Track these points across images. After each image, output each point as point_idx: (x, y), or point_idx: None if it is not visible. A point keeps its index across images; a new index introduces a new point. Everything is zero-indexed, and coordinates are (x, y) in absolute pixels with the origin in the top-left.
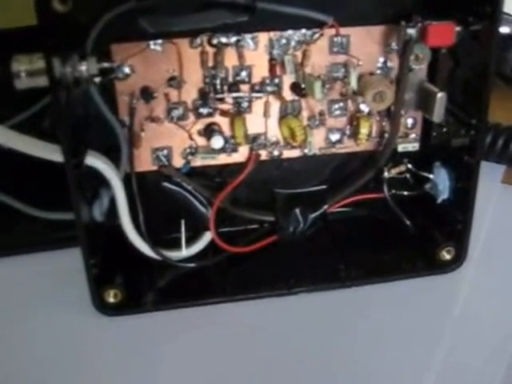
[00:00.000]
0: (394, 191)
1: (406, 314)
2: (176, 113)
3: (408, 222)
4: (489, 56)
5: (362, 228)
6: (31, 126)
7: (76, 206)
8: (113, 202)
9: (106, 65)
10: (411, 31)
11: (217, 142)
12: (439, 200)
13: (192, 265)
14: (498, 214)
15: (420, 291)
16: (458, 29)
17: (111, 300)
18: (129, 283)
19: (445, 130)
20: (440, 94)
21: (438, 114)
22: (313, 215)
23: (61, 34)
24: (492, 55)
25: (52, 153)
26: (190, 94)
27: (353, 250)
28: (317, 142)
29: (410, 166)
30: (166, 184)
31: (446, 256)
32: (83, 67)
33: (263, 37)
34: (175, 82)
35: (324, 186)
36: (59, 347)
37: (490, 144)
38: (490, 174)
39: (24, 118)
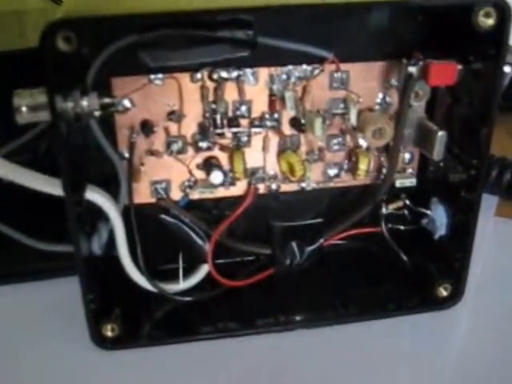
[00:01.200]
0: (390, 225)
1: (402, 349)
2: (175, 146)
3: (405, 258)
4: (492, 95)
5: (359, 261)
6: (28, 150)
7: (75, 242)
8: (111, 234)
9: (107, 100)
10: (412, 69)
11: (216, 177)
12: (436, 236)
13: (188, 298)
14: (491, 247)
15: (416, 326)
16: (459, 67)
17: (109, 334)
18: (126, 316)
19: (442, 164)
20: (440, 133)
21: (438, 153)
22: (309, 248)
23: (64, 71)
24: (496, 94)
25: (52, 187)
26: (189, 127)
27: (349, 285)
28: (315, 176)
29: (407, 201)
30: (164, 216)
31: (443, 293)
32: (84, 103)
33: (264, 72)
34: (175, 115)
35: (321, 220)
36: (55, 379)
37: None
38: (483, 206)
39: (21, 143)
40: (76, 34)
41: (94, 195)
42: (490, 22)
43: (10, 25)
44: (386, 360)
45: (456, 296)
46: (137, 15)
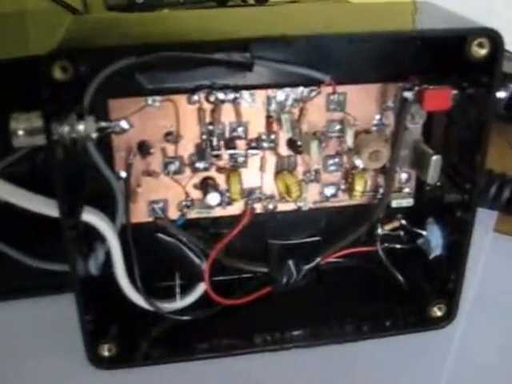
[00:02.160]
0: (386, 244)
1: (396, 368)
2: (172, 167)
3: (400, 277)
4: (485, 120)
5: (355, 280)
6: (26, 161)
7: (72, 263)
8: (108, 254)
9: (103, 124)
10: (408, 94)
11: (213, 199)
12: (431, 256)
13: (185, 318)
14: (490, 263)
15: (411, 345)
16: (454, 92)
17: (106, 354)
18: (123, 336)
19: (439, 184)
20: (435, 157)
21: (432, 176)
22: (306, 267)
23: (60, 99)
24: (488, 119)
25: (49, 208)
26: (186, 148)
27: (345, 303)
28: (311, 196)
29: (403, 221)
30: (161, 235)
31: (437, 313)
32: (81, 127)
33: (260, 94)
34: (172, 136)
35: (317, 238)
36: None
37: (483, 190)
38: (482, 221)
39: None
40: (72, 63)
41: (91, 217)
42: (483, 52)
43: (11, 27)
44: (380, 379)
45: (450, 316)
46: (133, 44)
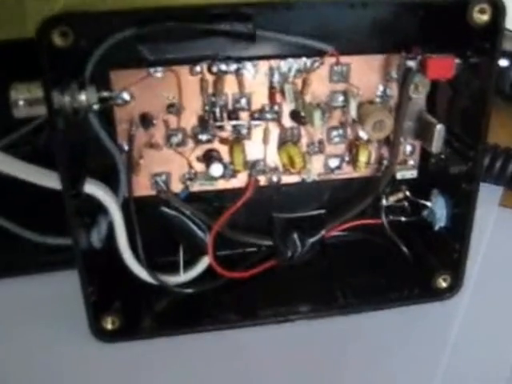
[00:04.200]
0: (391, 217)
1: (401, 339)
2: (175, 139)
3: (405, 249)
4: (487, 88)
5: (360, 253)
6: (27, 142)
7: (74, 235)
8: (111, 227)
9: (105, 94)
10: (411, 63)
11: (216, 170)
12: (436, 227)
13: (189, 290)
14: (495, 237)
15: (415, 316)
16: (457, 61)
17: (109, 327)
18: (126, 309)
19: (443, 156)
20: (439, 126)
21: (436, 146)
22: (311, 240)
23: (61, 66)
24: (491, 88)
25: (51, 180)
26: (189, 120)
27: (350, 276)
28: (316, 168)
29: (408, 193)
30: (164, 209)
31: (442, 284)
32: (82, 97)
33: (263, 65)
34: (174, 108)
35: (322, 211)
36: (54, 371)
37: (488, 165)
38: (487, 196)
39: (20, 135)
40: (72, 29)
41: (93, 188)
42: (485, 18)
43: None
44: (385, 350)
45: (455, 287)
46: (135, 10)
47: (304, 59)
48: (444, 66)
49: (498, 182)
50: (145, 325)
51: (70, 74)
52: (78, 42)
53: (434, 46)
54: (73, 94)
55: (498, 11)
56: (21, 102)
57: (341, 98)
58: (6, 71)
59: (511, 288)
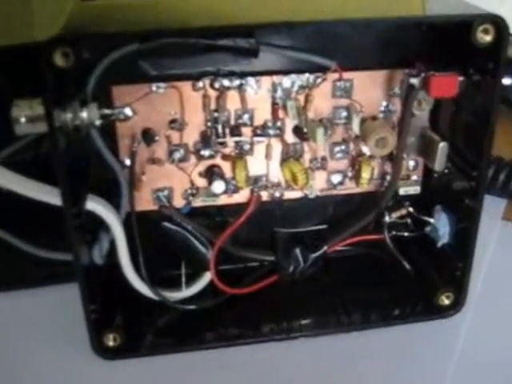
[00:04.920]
0: (394, 232)
1: (404, 357)
2: (177, 155)
3: (407, 266)
4: (491, 107)
5: (362, 269)
6: (30, 149)
7: (75, 253)
8: (112, 243)
9: (107, 111)
10: (414, 80)
11: (218, 187)
12: (439, 244)
13: (191, 306)
14: (498, 251)
15: (418, 334)
16: (460, 79)
17: (110, 344)
18: (128, 325)
19: (446, 171)
20: (442, 144)
21: (439, 164)
22: (313, 255)
23: (62, 86)
24: (494, 106)
25: (52, 197)
26: (191, 136)
27: (352, 292)
28: (318, 184)
29: (410, 209)
30: (166, 224)
31: (445, 301)
32: (84, 114)
33: (266, 80)
34: (177, 124)
35: (324, 226)
36: None
37: (492, 178)
38: (490, 209)
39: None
40: (74, 50)
41: (95, 205)
42: (488, 38)
43: (16, 13)
44: (387, 367)
45: (458, 305)
46: (136, 30)
47: (307, 75)
48: (447, 84)
49: (502, 195)
50: (146, 342)
51: (72, 92)
52: (80, 62)
53: (438, 63)
54: (74, 111)
55: (502, 31)
56: (22, 119)
57: (343, 114)
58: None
59: None
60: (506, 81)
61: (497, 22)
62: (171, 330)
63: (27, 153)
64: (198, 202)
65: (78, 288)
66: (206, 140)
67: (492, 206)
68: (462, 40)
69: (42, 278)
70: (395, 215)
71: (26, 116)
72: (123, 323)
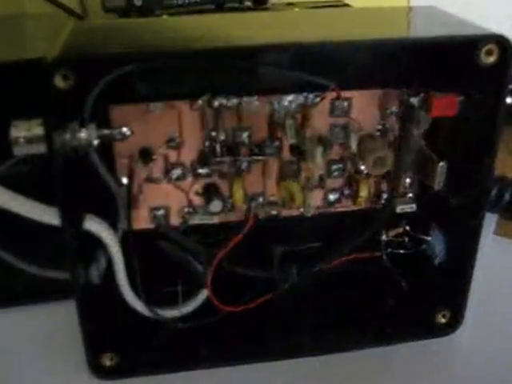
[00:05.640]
0: (390, 250)
1: (400, 376)
2: (174, 173)
3: (404, 284)
4: (494, 128)
5: (358, 286)
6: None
7: (73, 273)
8: (110, 262)
9: (105, 131)
10: (414, 100)
11: (215, 206)
12: (436, 262)
13: (187, 325)
14: (491, 267)
15: (414, 352)
16: (460, 98)
17: (107, 363)
18: (125, 344)
19: (444, 189)
20: (441, 164)
21: (438, 183)
22: (309, 272)
23: (62, 107)
24: (498, 126)
25: (50, 216)
26: (188, 154)
27: (349, 310)
28: (315, 202)
29: (407, 227)
30: (163, 242)
31: (442, 320)
32: (82, 135)
33: (264, 100)
34: (174, 143)
35: (321, 244)
36: None
37: None
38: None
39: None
40: (73, 72)
41: (93, 225)
42: (492, 59)
43: (10, 30)
44: None
45: (454, 323)
46: (135, 51)
47: (305, 94)
48: (448, 104)
49: (493, 210)
50: (143, 361)
51: (71, 113)
52: (79, 83)
53: (438, 83)
54: (73, 132)
55: (506, 52)
56: (21, 140)
57: (341, 132)
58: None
59: (510, 318)
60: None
61: (501, 42)
62: (168, 348)
63: (22, 166)
64: (194, 221)
65: (74, 307)
66: (203, 159)
67: (483, 222)
68: (464, 60)
69: (38, 296)
70: (392, 233)
71: (25, 137)
72: (120, 342)
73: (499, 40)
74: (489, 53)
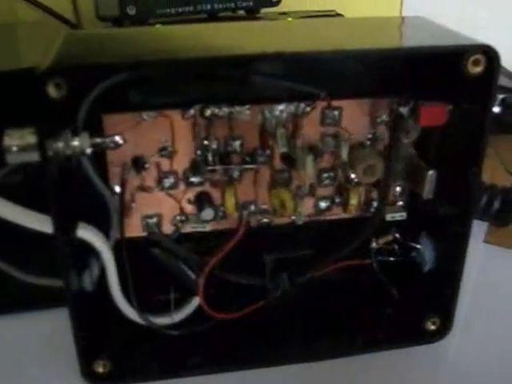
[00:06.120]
0: (380, 257)
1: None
2: (167, 182)
3: (394, 291)
4: (481, 136)
5: (349, 293)
6: (18, 171)
7: (66, 280)
8: (102, 270)
9: (98, 140)
10: (403, 109)
11: (207, 214)
12: (425, 270)
13: (180, 332)
14: (480, 274)
15: (404, 358)
16: (449, 107)
17: (100, 370)
18: (118, 352)
19: (432, 197)
20: (430, 172)
21: (428, 191)
22: (300, 280)
23: (55, 116)
24: (485, 135)
25: (43, 225)
26: (181, 163)
27: (339, 317)
28: (306, 209)
29: (397, 235)
30: (155, 249)
31: (431, 326)
32: (75, 143)
33: (255, 109)
34: (167, 151)
35: (312, 251)
36: None
37: None
38: (472, 232)
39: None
40: (66, 81)
41: (85, 233)
42: (479, 69)
43: (3, 38)
44: None
45: (444, 330)
46: (126, 60)
47: (296, 103)
48: (436, 113)
49: (483, 218)
50: (136, 368)
51: (64, 122)
52: (72, 92)
53: (427, 92)
54: (66, 141)
55: (493, 62)
56: (14, 149)
57: (332, 142)
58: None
59: (499, 326)
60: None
61: (488, 52)
62: (161, 355)
63: (15, 174)
64: (187, 229)
65: (67, 314)
66: (195, 167)
67: (474, 229)
68: (452, 70)
69: (31, 303)
70: (382, 241)
71: (18, 145)
72: (113, 349)
73: (486, 50)
74: (476, 63)
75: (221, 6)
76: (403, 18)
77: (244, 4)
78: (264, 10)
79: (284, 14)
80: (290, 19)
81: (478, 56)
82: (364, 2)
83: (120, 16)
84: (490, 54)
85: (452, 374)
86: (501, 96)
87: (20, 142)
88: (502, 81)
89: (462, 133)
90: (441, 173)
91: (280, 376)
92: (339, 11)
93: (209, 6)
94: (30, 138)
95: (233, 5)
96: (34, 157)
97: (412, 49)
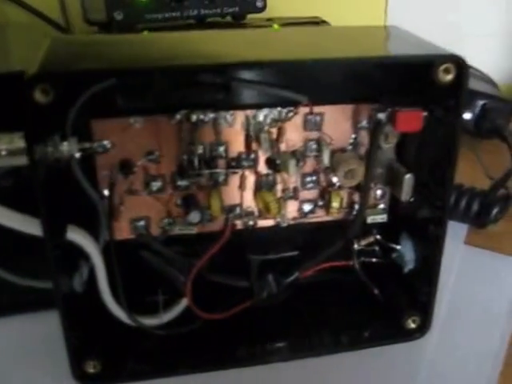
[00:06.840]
0: (362, 258)
1: (371, 379)
2: (154, 186)
3: (376, 291)
4: (453, 140)
5: (332, 293)
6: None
7: (55, 282)
8: (92, 271)
9: (86, 145)
10: (381, 115)
11: (194, 217)
12: (405, 270)
13: (168, 332)
14: (461, 275)
15: (385, 356)
16: (424, 114)
17: (91, 370)
18: (108, 352)
19: (412, 200)
20: (407, 176)
21: (405, 194)
22: (285, 281)
23: (42, 121)
24: (456, 140)
25: (33, 227)
26: (168, 167)
27: (324, 317)
28: (290, 212)
29: (378, 236)
30: (143, 252)
31: (411, 325)
32: (64, 147)
33: (240, 114)
34: (154, 156)
35: (296, 253)
36: None
37: (454, 204)
38: (453, 234)
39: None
40: (53, 86)
41: (74, 236)
42: (449, 77)
43: None
44: None
45: (424, 328)
46: (113, 66)
47: (279, 109)
48: (412, 119)
49: (463, 220)
50: (126, 368)
51: (52, 126)
52: (59, 97)
53: (402, 100)
54: (55, 145)
55: (462, 71)
56: (3, 153)
57: (314, 146)
58: None
59: (478, 325)
60: (466, 116)
61: (457, 61)
62: (150, 356)
63: (6, 178)
64: (174, 231)
65: (57, 315)
66: (182, 171)
67: (454, 231)
68: (424, 78)
69: (21, 305)
70: (363, 242)
71: (7, 149)
72: (103, 350)
73: (455, 59)
74: (446, 71)
75: (207, 11)
76: (380, 28)
77: (230, 10)
78: (250, 16)
79: (270, 20)
80: (275, 25)
81: (448, 65)
82: (349, 10)
83: (108, 21)
84: (459, 63)
85: (430, 371)
86: (481, 102)
87: (9, 146)
88: (483, 87)
89: (437, 138)
90: (419, 177)
91: (266, 373)
92: (324, 18)
93: (196, 12)
94: (20, 142)
95: (219, 11)
96: (23, 161)
97: (386, 58)
